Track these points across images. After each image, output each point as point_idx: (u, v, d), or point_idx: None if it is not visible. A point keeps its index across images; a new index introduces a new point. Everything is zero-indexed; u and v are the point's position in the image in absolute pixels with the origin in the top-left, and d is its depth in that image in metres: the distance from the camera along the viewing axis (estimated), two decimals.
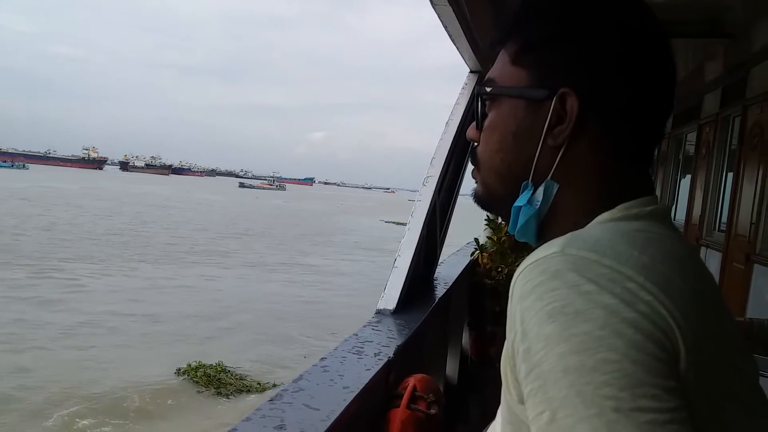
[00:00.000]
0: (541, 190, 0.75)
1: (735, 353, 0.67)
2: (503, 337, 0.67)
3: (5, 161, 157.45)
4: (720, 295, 0.71)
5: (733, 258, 5.95)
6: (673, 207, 9.00)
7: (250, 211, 50.52)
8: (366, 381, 1.51)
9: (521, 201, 0.77)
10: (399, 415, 1.67)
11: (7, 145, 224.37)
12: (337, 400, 1.35)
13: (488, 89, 0.80)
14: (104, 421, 8.40)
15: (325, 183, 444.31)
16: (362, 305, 14.34)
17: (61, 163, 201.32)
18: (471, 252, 4.66)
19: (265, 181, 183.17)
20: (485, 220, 4.92)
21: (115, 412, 8.64)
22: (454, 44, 2.98)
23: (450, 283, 3.25)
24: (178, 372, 10.05)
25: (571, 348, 0.55)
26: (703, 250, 6.90)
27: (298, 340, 12.45)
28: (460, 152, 3.19)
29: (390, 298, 2.36)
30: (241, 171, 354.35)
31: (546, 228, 0.77)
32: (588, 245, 0.62)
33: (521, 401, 0.62)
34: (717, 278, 6.03)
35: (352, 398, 1.38)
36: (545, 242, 0.67)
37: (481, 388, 3.82)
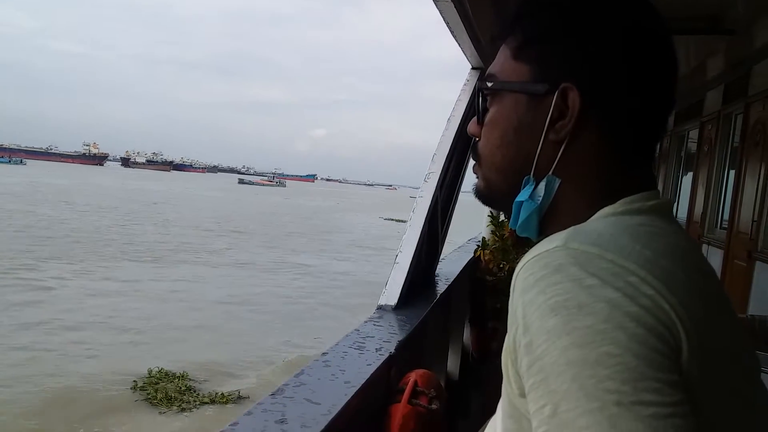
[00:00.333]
0: (542, 185, 0.75)
1: (737, 348, 0.67)
2: (504, 334, 0.67)
3: (2, 156, 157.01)
4: (723, 289, 0.71)
5: (735, 255, 5.95)
6: (675, 204, 8.99)
7: (247, 207, 49.13)
8: (367, 376, 1.51)
9: (523, 196, 0.77)
10: (400, 410, 1.67)
11: (9, 141, 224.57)
12: (338, 395, 1.36)
13: (489, 84, 0.80)
14: None
15: (327, 180, 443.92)
16: (338, 311, 13.21)
17: (62, 159, 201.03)
18: (472, 249, 4.67)
19: (265, 178, 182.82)
20: (488, 216, 4.93)
21: None
22: (456, 40, 2.97)
23: (451, 280, 3.25)
24: (135, 387, 8.63)
25: (573, 341, 0.55)
26: (704, 247, 6.89)
27: (255, 348, 10.85)
28: (461, 149, 3.19)
29: (391, 294, 2.36)
30: (243, 167, 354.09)
31: (547, 223, 0.77)
32: (590, 239, 0.62)
33: (522, 395, 0.62)
34: (719, 276, 6.01)
35: (353, 393, 1.38)
36: (547, 237, 0.67)
37: (482, 383, 3.82)
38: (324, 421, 1.21)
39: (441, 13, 2.59)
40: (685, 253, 0.67)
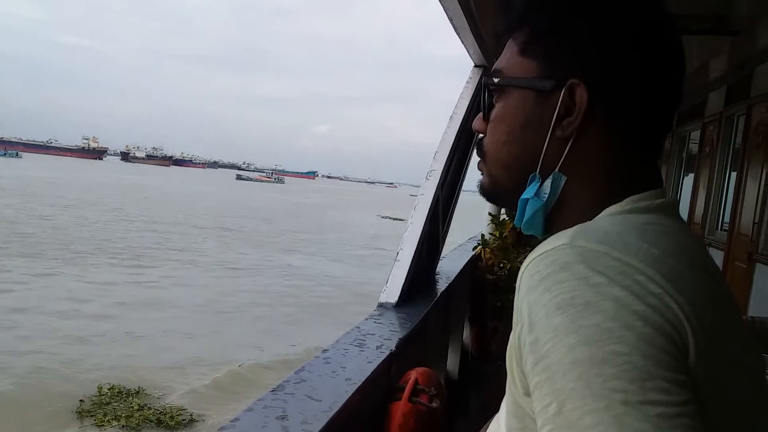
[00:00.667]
0: (548, 182, 0.74)
1: (743, 348, 0.66)
2: (504, 333, 0.66)
3: None
4: (729, 289, 0.71)
5: (736, 257, 5.95)
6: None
7: (241, 204, 47.78)
8: (368, 373, 1.51)
9: (528, 193, 0.76)
10: (401, 407, 1.67)
11: (10, 134, 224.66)
12: (339, 392, 1.36)
13: (496, 80, 0.79)
14: None
15: (328, 177, 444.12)
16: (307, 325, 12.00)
17: (61, 153, 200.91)
18: (473, 247, 4.67)
19: (263, 174, 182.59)
20: (489, 215, 4.93)
21: None
22: (460, 38, 2.97)
23: (452, 278, 3.25)
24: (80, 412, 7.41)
25: (579, 340, 0.54)
26: None
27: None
28: (463, 147, 3.18)
29: (392, 292, 2.36)
30: (244, 163, 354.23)
31: (553, 220, 0.76)
32: (597, 237, 0.62)
33: (527, 393, 0.61)
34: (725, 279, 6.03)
35: (354, 390, 1.38)
36: (552, 235, 0.66)
37: (481, 382, 3.83)
38: (325, 418, 1.21)
39: (445, 11, 2.58)
40: (692, 252, 0.66)
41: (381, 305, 2.31)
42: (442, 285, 3.05)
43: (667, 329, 0.56)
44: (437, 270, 3.31)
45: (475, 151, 0.85)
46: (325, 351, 1.64)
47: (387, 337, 1.87)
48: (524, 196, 0.77)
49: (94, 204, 34.06)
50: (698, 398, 0.54)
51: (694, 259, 0.65)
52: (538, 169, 0.75)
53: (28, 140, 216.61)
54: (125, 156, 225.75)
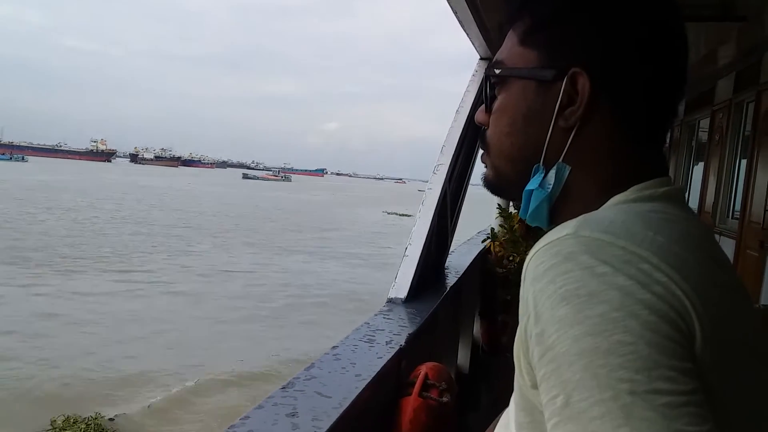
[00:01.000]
0: (552, 172, 0.74)
1: (752, 335, 0.66)
2: (514, 326, 0.66)
3: (3, 154, 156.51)
4: (737, 276, 0.70)
5: (747, 245, 5.91)
6: (686, 194, 8.92)
7: (246, 203, 47.01)
8: (378, 369, 1.51)
9: (533, 184, 0.76)
10: (411, 402, 1.67)
11: (20, 139, 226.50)
12: (349, 388, 1.36)
13: (497, 71, 0.79)
14: None
15: (337, 174, 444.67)
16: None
17: (69, 156, 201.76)
18: (482, 240, 4.66)
19: (270, 173, 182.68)
20: (497, 208, 4.92)
21: None
22: (464, 30, 2.96)
23: (461, 272, 3.24)
24: None
25: (585, 330, 0.54)
26: (716, 237, 6.83)
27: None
28: (470, 140, 3.18)
29: (401, 287, 2.36)
30: (252, 162, 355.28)
31: (558, 211, 0.76)
32: (602, 227, 0.61)
33: (534, 386, 0.61)
34: (733, 267, 5.99)
35: (364, 386, 1.38)
36: (557, 226, 0.66)
37: (492, 376, 3.82)
38: (335, 415, 1.21)
39: (449, 4, 2.58)
40: (698, 240, 0.66)
41: (390, 300, 2.32)
42: (451, 279, 3.05)
43: (673, 317, 0.55)
44: (446, 264, 3.31)
45: (479, 143, 0.85)
46: (334, 347, 1.64)
47: (396, 332, 1.87)
48: (528, 187, 0.76)
49: (88, 206, 33.43)
50: (705, 386, 0.54)
51: (700, 247, 0.65)
52: (541, 160, 0.75)
53: (38, 144, 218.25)
54: (134, 158, 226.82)
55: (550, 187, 0.74)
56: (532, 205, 0.76)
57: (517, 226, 4.52)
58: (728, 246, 6.27)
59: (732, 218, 6.76)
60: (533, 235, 4.34)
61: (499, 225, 4.77)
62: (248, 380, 8.84)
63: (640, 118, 0.72)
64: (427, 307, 2.30)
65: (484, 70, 3.25)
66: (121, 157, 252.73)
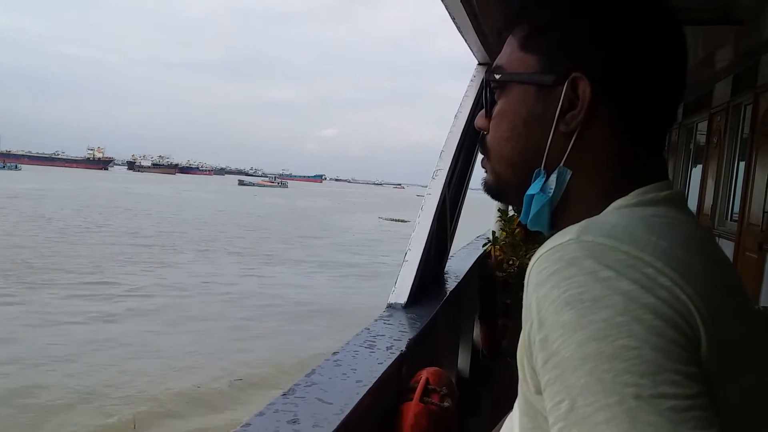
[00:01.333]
0: (553, 177, 0.74)
1: (756, 338, 0.66)
2: (514, 330, 0.66)
3: None
4: (739, 280, 0.70)
5: (746, 247, 5.91)
6: (685, 197, 8.94)
7: (238, 210, 45.30)
8: (379, 375, 1.51)
9: (534, 189, 0.75)
10: (412, 408, 1.67)
11: (18, 148, 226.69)
12: (350, 394, 1.35)
13: (497, 76, 0.79)
14: None
15: (336, 180, 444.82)
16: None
17: (67, 164, 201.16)
18: (482, 245, 4.66)
19: (266, 179, 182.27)
20: (497, 212, 4.92)
21: None
22: (462, 36, 2.97)
23: (461, 276, 3.24)
24: None
25: (589, 335, 0.54)
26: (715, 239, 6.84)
27: None
28: (469, 145, 3.18)
29: (401, 292, 2.36)
30: (251, 169, 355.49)
31: (559, 216, 0.76)
32: (604, 231, 0.61)
33: (538, 392, 0.61)
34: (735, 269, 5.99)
35: (365, 392, 1.38)
36: (558, 230, 0.66)
37: (492, 381, 3.82)
38: (336, 421, 1.20)
39: (447, 9, 2.58)
40: (700, 243, 0.66)
41: (390, 306, 2.31)
42: (451, 284, 3.05)
43: (678, 321, 0.55)
44: (446, 269, 3.31)
45: (479, 148, 0.85)
46: (335, 353, 1.63)
47: (397, 337, 1.87)
48: (530, 191, 0.76)
49: (70, 215, 31.56)
50: (711, 390, 0.54)
51: (703, 250, 0.65)
52: (542, 164, 0.75)
53: (37, 153, 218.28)
54: (131, 165, 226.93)
55: (552, 191, 0.74)
56: (533, 210, 0.76)
57: (517, 230, 4.52)
58: (727, 248, 6.28)
59: (731, 220, 6.76)
60: (533, 239, 4.34)
61: (500, 229, 4.78)
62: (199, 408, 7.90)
63: (640, 122, 0.72)
64: (427, 312, 2.30)
65: (482, 76, 3.26)
66: (119, 164, 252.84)
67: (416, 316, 2.22)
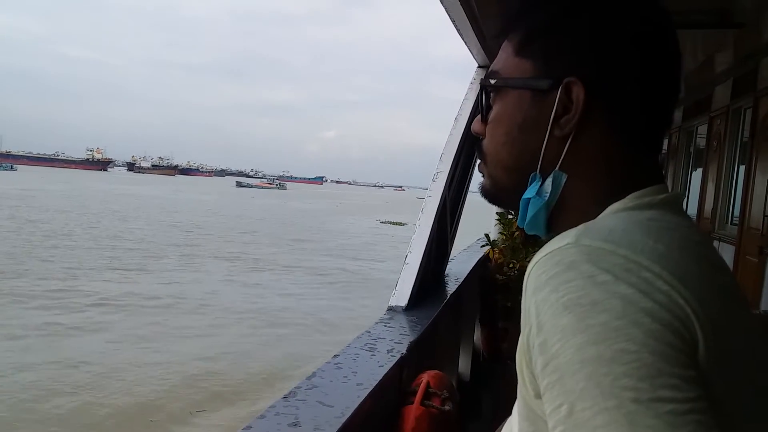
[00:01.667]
0: (549, 181, 0.75)
1: (754, 341, 0.66)
2: (515, 333, 0.66)
3: None
4: (736, 282, 0.71)
5: (746, 251, 5.91)
6: (685, 200, 8.94)
7: (232, 213, 44.04)
8: (379, 378, 1.51)
9: (530, 193, 0.76)
10: (413, 411, 1.67)
11: (18, 148, 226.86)
12: (351, 397, 1.35)
13: (492, 81, 0.80)
14: None
15: (337, 182, 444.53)
16: None
17: (66, 165, 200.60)
18: (482, 248, 4.66)
19: (265, 180, 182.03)
20: (496, 215, 4.92)
21: None
22: (462, 38, 2.97)
23: (461, 279, 3.24)
24: None
25: (588, 339, 0.54)
26: (715, 243, 6.84)
27: None
28: (469, 147, 3.18)
29: (401, 295, 2.36)
30: (252, 170, 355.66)
31: (555, 219, 0.76)
32: (602, 235, 0.62)
33: (538, 396, 0.61)
34: (732, 272, 5.98)
35: (366, 395, 1.38)
36: (556, 234, 0.66)
37: (493, 384, 3.82)
38: (337, 424, 1.21)
39: (447, 11, 2.58)
40: (698, 247, 0.66)
41: (391, 309, 2.32)
42: (451, 287, 3.05)
43: (676, 325, 0.55)
44: (446, 272, 3.31)
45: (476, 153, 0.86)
46: (336, 356, 1.64)
47: (398, 340, 1.87)
48: (526, 195, 0.77)
49: (57, 217, 30.48)
50: (709, 393, 0.54)
51: (700, 254, 0.65)
52: (538, 169, 0.75)
53: (39, 154, 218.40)
54: (131, 166, 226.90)
55: (547, 195, 0.75)
56: (530, 214, 0.77)
57: (517, 233, 4.52)
58: (727, 252, 6.28)
59: (731, 224, 6.76)
60: (533, 242, 4.35)
61: (499, 232, 4.78)
62: None
63: (635, 126, 0.73)
64: (427, 314, 2.30)
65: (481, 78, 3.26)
66: (119, 165, 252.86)
67: (417, 319, 2.22)
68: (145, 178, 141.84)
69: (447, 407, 1.74)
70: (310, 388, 1.38)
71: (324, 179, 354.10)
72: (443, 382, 1.84)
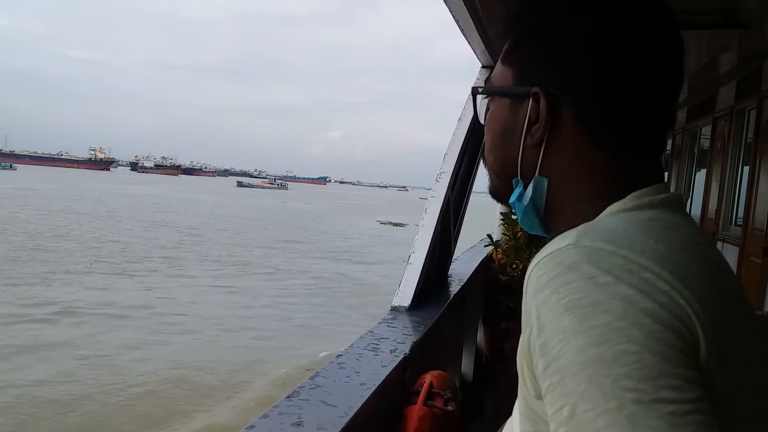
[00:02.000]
0: (531, 186, 0.76)
1: (755, 341, 0.66)
2: (518, 334, 0.66)
3: None
4: (738, 283, 0.71)
5: (750, 252, 5.89)
6: (689, 201, 8.91)
7: (229, 213, 43.67)
8: (383, 378, 1.51)
9: (512, 198, 0.79)
10: (416, 411, 1.67)
11: (22, 148, 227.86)
12: (354, 397, 1.35)
13: (480, 89, 0.82)
14: None
15: (341, 182, 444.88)
16: None
17: (68, 165, 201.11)
18: (485, 248, 4.66)
19: (266, 180, 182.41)
20: (500, 215, 4.92)
21: None
22: (466, 39, 2.97)
23: (464, 280, 3.24)
24: None
25: (589, 340, 0.54)
26: (719, 244, 6.82)
27: None
28: (473, 148, 3.18)
29: (405, 295, 2.36)
30: (255, 171, 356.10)
31: (550, 220, 0.77)
32: (602, 236, 0.62)
33: (539, 397, 0.61)
34: (734, 273, 5.97)
35: (369, 395, 1.38)
36: (556, 233, 0.67)
37: (496, 384, 3.81)
38: (340, 424, 1.21)
39: (451, 11, 2.58)
40: (699, 246, 0.66)
41: (394, 309, 2.32)
42: (455, 287, 3.05)
43: (677, 326, 0.55)
44: (449, 272, 3.31)
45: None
46: (339, 356, 1.64)
47: (401, 340, 1.87)
48: (510, 200, 0.80)
49: (47, 217, 30.10)
50: (710, 393, 0.54)
51: (701, 254, 0.65)
52: (519, 174, 0.77)
53: (43, 153, 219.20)
54: (134, 166, 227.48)
55: (528, 200, 0.76)
56: (519, 216, 0.79)
57: (520, 233, 4.52)
58: (731, 253, 6.26)
59: (735, 225, 6.75)
60: (536, 242, 4.34)
61: (502, 233, 4.78)
62: None
63: (626, 127, 0.72)
64: (430, 315, 2.30)
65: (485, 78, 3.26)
66: (122, 165, 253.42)
67: (420, 319, 2.22)
68: (146, 178, 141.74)
69: (450, 407, 1.74)
70: (313, 388, 1.38)
71: (327, 179, 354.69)
72: (446, 383, 1.84)
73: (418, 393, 1.72)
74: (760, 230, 5.67)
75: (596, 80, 0.71)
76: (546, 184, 0.75)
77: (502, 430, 0.89)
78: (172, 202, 52.82)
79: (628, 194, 0.70)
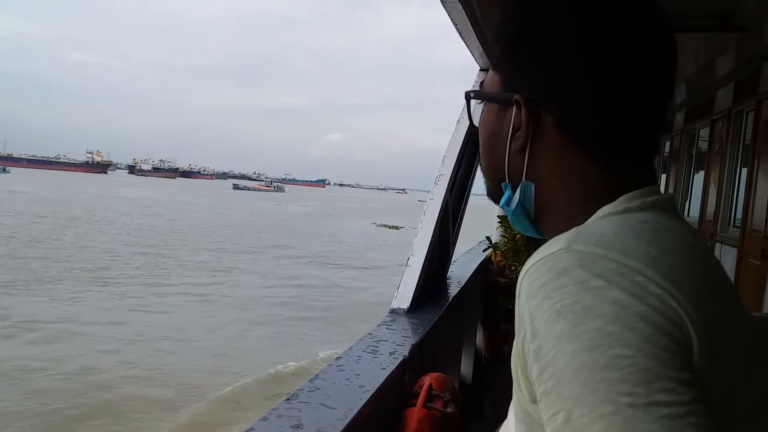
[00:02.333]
0: (518, 190, 0.77)
1: (750, 342, 0.66)
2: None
3: None
4: (731, 284, 0.71)
5: (749, 254, 5.90)
6: (687, 203, 8.92)
7: (222, 216, 42.82)
8: (382, 380, 1.51)
9: (502, 201, 0.80)
10: (415, 414, 1.67)
11: (20, 151, 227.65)
12: (353, 399, 1.36)
13: (471, 93, 0.84)
14: None
15: (340, 185, 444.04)
16: None
17: (66, 168, 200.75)
18: (483, 250, 4.66)
19: (262, 183, 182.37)
20: (498, 218, 4.92)
21: None
22: (464, 42, 2.97)
23: (463, 282, 3.24)
24: None
25: (582, 345, 0.55)
26: (717, 246, 6.84)
27: None
28: (471, 151, 3.18)
29: (404, 297, 2.36)
30: (254, 173, 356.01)
31: (541, 224, 0.78)
32: (594, 240, 0.62)
33: (533, 401, 0.62)
34: (732, 274, 5.97)
35: (368, 397, 1.38)
36: (550, 236, 0.68)
37: (495, 386, 3.81)
38: (340, 426, 1.21)
39: (449, 14, 2.59)
40: (691, 248, 0.66)
41: (393, 311, 2.32)
42: (453, 289, 3.05)
43: (669, 328, 0.56)
44: (448, 274, 3.31)
45: None
46: (338, 358, 1.64)
47: (400, 343, 1.87)
48: (500, 204, 0.81)
49: (27, 222, 29.01)
50: (705, 395, 0.54)
51: (693, 255, 0.65)
52: (506, 179, 0.78)
53: (39, 156, 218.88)
54: (132, 169, 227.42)
55: (515, 204, 0.77)
56: (510, 219, 0.81)
57: (518, 235, 4.52)
58: (730, 255, 6.27)
59: (733, 227, 6.75)
60: (535, 244, 4.34)
61: (501, 235, 4.78)
62: None
63: (611, 132, 0.72)
64: (429, 317, 2.30)
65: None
66: (120, 168, 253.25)
67: (419, 321, 2.22)
68: (143, 181, 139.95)
69: (449, 409, 1.75)
70: (313, 390, 1.39)
71: (326, 182, 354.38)
72: (445, 385, 1.84)
73: (417, 395, 1.72)
74: (758, 232, 5.68)
75: (577, 87, 0.71)
76: (533, 189, 0.76)
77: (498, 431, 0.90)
78: (163, 205, 51.63)
79: (619, 197, 0.70)
